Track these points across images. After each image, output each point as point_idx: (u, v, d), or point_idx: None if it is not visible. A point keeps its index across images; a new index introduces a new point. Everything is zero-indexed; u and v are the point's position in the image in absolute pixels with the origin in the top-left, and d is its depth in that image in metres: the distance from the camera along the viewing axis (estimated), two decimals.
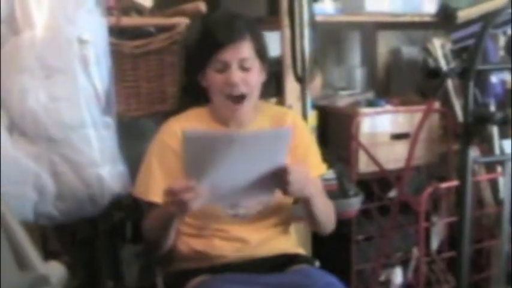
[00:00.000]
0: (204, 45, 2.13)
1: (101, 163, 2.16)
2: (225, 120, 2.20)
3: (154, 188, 2.13)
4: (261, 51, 2.17)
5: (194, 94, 2.25)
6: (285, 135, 1.90)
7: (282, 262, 2.17)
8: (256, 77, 2.15)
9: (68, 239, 2.66)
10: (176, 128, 2.16)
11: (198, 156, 1.83)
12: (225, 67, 2.10)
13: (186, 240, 2.16)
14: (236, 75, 2.09)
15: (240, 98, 2.12)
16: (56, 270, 1.34)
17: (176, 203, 1.86)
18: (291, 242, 2.28)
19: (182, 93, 2.34)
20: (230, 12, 2.21)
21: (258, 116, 2.24)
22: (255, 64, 2.13)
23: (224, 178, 1.86)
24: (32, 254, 1.24)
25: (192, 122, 2.22)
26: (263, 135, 1.94)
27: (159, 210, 2.04)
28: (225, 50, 2.08)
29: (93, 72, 2.16)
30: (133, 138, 2.36)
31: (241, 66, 2.10)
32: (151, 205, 2.16)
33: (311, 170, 2.27)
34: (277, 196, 2.15)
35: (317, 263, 2.30)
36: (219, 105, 2.17)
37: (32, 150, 2.10)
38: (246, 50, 2.11)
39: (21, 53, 2.10)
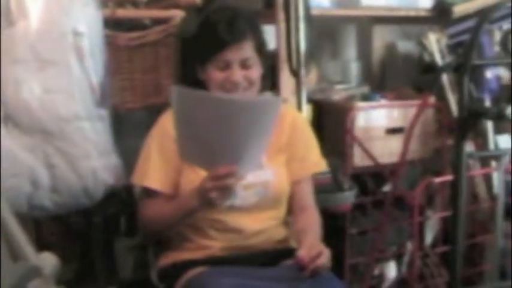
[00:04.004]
0: (206, 43, 2.13)
1: (95, 155, 2.15)
2: None
3: (152, 173, 2.15)
4: (261, 48, 2.17)
5: (191, 86, 2.25)
6: (275, 104, 1.89)
7: (277, 255, 2.17)
8: (256, 73, 2.15)
9: (62, 231, 2.66)
10: None
11: (187, 114, 1.86)
12: (226, 66, 2.10)
13: (182, 230, 2.16)
14: (237, 74, 2.10)
15: (240, 91, 2.13)
16: (48, 261, 1.34)
17: (220, 188, 1.89)
18: (287, 234, 2.28)
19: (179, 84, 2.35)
20: (232, 8, 2.19)
21: None
22: (255, 61, 2.14)
23: (211, 141, 1.86)
24: (25, 245, 1.24)
25: None
26: (253, 102, 1.92)
27: (179, 202, 2.08)
28: (227, 50, 2.09)
29: (88, 64, 2.15)
30: (128, 130, 2.35)
31: (243, 65, 2.11)
32: (148, 192, 2.17)
33: (310, 167, 2.28)
34: (273, 189, 2.16)
35: None
36: None
37: (26, 142, 2.10)
38: (247, 49, 2.11)
39: (16, 45, 2.09)
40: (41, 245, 2.39)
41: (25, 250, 1.25)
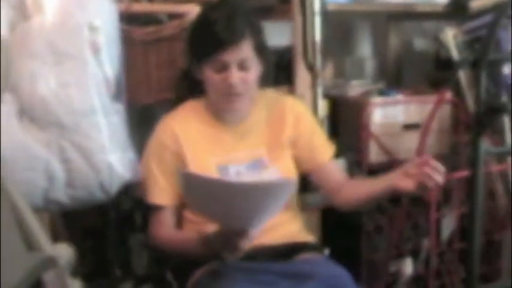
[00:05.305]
0: (203, 43, 2.10)
1: (111, 150, 2.15)
2: (221, 115, 2.20)
3: (155, 190, 2.18)
4: (260, 47, 2.14)
5: (190, 84, 2.25)
6: (286, 186, 1.84)
7: (291, 249, 2.16)
8: (254, 74, 2.13)
9: (77, 226, 2.66)
10: (172, 126, 2.18)
11: (196, 194, 1.86)
12: (224, 67, 2.08)
13: (193, 227, 2.16)
14: (235, 76, 2.08)
15: (237, 95, 2.11)
16: (64, 252, 1.34)
17: (231, 248, 1.88)
18: (299, 228, 2.27)
19: (179, 81, 2.35)
20: (230, 6, 2.13)
21: (254, 108, 2.24)
22: (254, 62, 2.12)
23: (222, 213, 1.85)
24: (40, 235, 1.24)
25: (188, 118, 2.22)
26: (264, 186, 1.84)
27: (188, 242, 2.08)
28: (225, 51, 2.06)
29: (104, 58, 2.14)
30: (144, 125, 2.35)
31: (241, 66, 2.09)
32: (154, 207, 2.19)
33: (320, 154, 2.27)
34: None
35: (326, 251, 2.29)
36: (215, 100, 2.17)
37: (42, 136, 2.09)
38: (246, 50, 2.09)
39: (31, 39, 2.09)
40: (56, 239, 2.41)
41: (40, 240, 1.24)
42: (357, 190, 2.21)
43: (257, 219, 1.84)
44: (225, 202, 1.79)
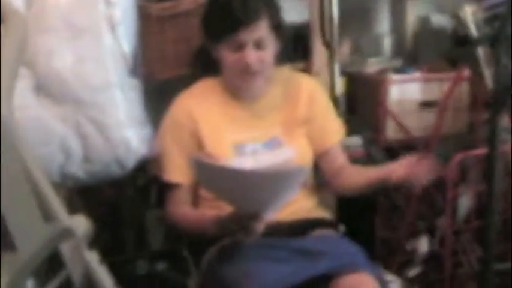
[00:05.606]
0: (219, 23, 2.08)
1: (127, 125, 2.15)
2: (237, 93, 2.19)
3: (170, 167, 2.17)
4: (276, 26, 2.12)
5: (205, 61, 2.23)
6: (297, 173, 1.84)
7: (306, 226, 2.15)
8: (271, 53, 2.12)
9: (92, 202, 2.66)
10: (188, 104, 2.17)
11: (208, 179, 1.88)
12: (240, 46, 2.06)
13: (209, 204, 2.16)
14: (251, 55, 2.06)
15: (253, 74, 2.10)
16: (81, 224, 1.34)
17: (244, 230, 1.87)
18: (314, 204, 2.26)
19: (195, 59, 2.34)
20: None
21: (270, 87, 2.22)
22: (270, 41, 2.10)
23: (234, 198, 1.87)
24: (57, 206, 1.24)
25: (203, 96, 2.21)
26: (275, 174, 1.85)
27: (202, 222, 2.07)
28: (241, 31, 2.04)
29: (120, 33, 2.14)
30: (160, 101, 2.34)
31: (257, 45, 2.07)
32: (170, 185, 2.19)
33: (330, 139, 2.26)
34: (296, 161, 2.15)
35: (342, 228, 2.28)
36: (231, 79, 2.17)
37: (58, 111, 2.10)
38: (262, 29, 2.06)
39: (47, 14, 2.09)
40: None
41: (57, 211, 1.25)
42: (355, 177, 2.21)
43: (270, 205, 1.85)
44: (237, 189, 1.80)
